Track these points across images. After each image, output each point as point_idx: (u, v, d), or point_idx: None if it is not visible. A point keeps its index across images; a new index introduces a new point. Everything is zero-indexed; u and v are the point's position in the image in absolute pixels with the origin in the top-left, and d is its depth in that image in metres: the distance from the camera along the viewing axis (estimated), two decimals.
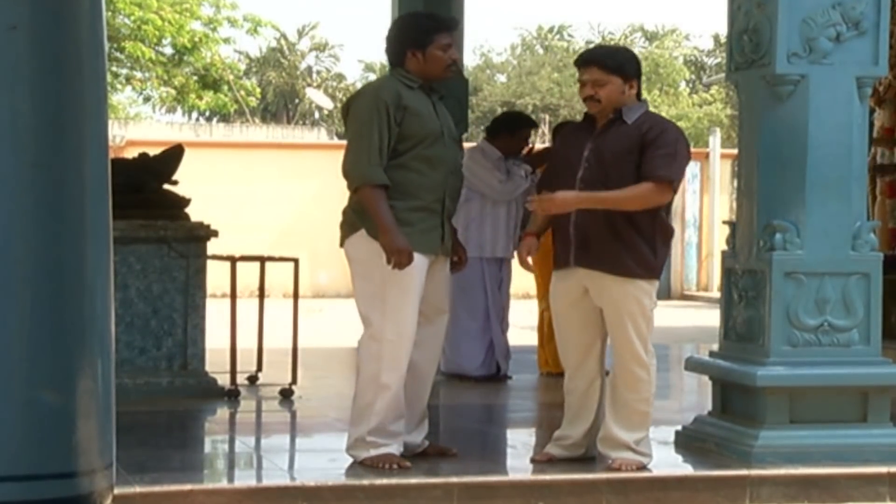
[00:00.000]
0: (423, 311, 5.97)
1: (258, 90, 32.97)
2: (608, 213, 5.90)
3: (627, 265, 5.89)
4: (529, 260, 6.21)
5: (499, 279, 9.20)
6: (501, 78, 47.81)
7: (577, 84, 6.15)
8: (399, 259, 5.79)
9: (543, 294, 9.42)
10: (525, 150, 9.37)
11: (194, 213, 8.55)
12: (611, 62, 6.02)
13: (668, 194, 5.95)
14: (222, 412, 7.93)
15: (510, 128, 9.29)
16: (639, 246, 5.91)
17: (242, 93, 28.22)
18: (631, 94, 6.01)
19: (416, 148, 5.94)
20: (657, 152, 5.91)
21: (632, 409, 6.00)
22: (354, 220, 5.97)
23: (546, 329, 9.35)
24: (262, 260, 8.70)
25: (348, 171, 5.92)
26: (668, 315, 18.22)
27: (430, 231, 5.97)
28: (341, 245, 6.06)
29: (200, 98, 26.34)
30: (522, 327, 11.91)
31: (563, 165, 6.07)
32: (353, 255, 5.99)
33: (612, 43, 44.84)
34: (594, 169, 5.95)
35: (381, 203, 5.82)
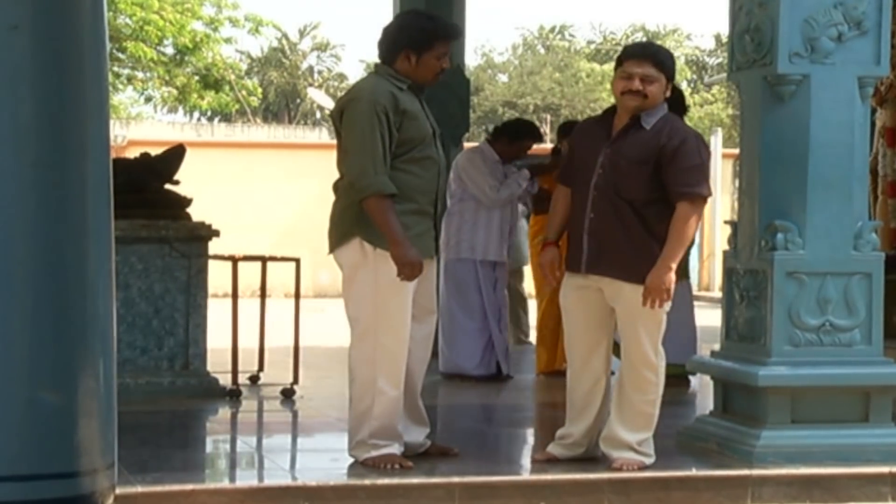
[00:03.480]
0: (414, 312, 5.95)
1: (259, 90, 32.96)
2: (623, 218, 5.87)
3: (642, 272, 5.83)
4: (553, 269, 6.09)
5: (493, 279, 9.18)
6: (503, 78, 47.80)
7: (621, 76, 5.90)
8: (410, 271, 5.78)
9: (540, 291, 9.41)
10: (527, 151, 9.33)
11: (196, 212, 8.54)
12: (667, 61, 5.93)
13: (703, 204, 5.92)
14: (224, 412, 7.93)
15: (512, 135, 9.23)
16: (653, 250, 5.85)
17: (244, 93, 28.23)
18: (666, 96, 5.94)
19: (411, 151, 5.89)
20: (683, 165, 5.84)
21: (637, 409, 5.99)
22: (348, 227, 5.90)
23: (543, 328, 9.34)
24: (263, 260, 8.70)
25: (354, 181, 5.83)
26: None
27: (424, 234, 5.95)
28: (330, 252, 6.02)
29: (202, 98, 26.34)
30: None
31: (581, 167, 5.99)
32: (346, 261, 5.95)
33: (614, 43, 44.88)
34: (608, 176, 5.89)
35: (390, 214, 5.77)
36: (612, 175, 5.88)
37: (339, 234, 5.96)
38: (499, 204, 9.07)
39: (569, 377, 6.17)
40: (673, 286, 5.82)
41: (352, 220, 5.88)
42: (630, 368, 5.98)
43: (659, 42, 45.91)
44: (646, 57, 5.91)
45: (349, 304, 5.99)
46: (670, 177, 5.85)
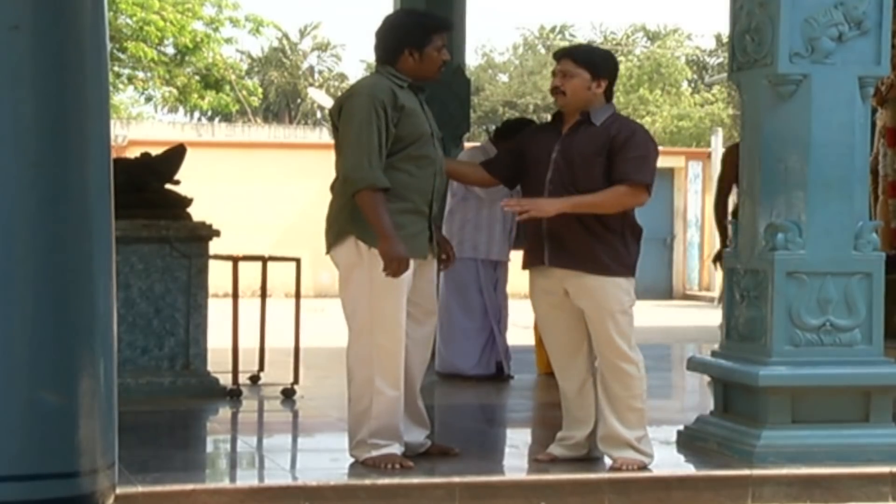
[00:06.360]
0: (413, 313, 5.96)
1: (260, 90, 32.94)
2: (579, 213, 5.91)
3: (604, 262, 5.90)
4: None
5: (494, 279, 9.18)
6: (503, 78, 47.78)
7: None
8: (397, 267, 5.77)
9: None
10: None
11: (196, 212, 8.55)
12: (581, 56, 6.07)
13: (643, 196, 5.96)
14: (224, 412, 7.93)
15: (513, 133, 9.22)
16: (612, 243, 5.93)
17: (244, 92, 28.23)
18: (598, 92, 6.01)
19: (407, 149, 5.90)
20: (629, 155, 5.93)
21: (626, 406, 5.99)
22: (343, 226, 5.91)
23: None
24: (264, 260, 8.70)
25: (348, 175, 5.85)
26: (669, 315, 18.21)
27: (418, 234, 5.95)
28: (327, 252, 6.02)
29: (202, 98, 26.33)
30: (524, 327, 11.91)
31: (533, 166, 6.06)
32: (342, 261, 5.95)
33: (615, 42, 44.88)
34: (562, 171, 5.96)
35: (381, 208, 5.77)
36: (567, 169, 5.95)
37: (335, 233, 5.96)
38: (499, 194, 9.04)
39: (558, 382, 6.18)
40: (553, 209, 5.84)
41: (347, 219, 5.88)
42: (608, 366, 5.98)
43: (659, 42, 45.97)
44: (564, 55, 6.10)
45: (345, 304, 6.00)
46: (615, 165, 5.92)
